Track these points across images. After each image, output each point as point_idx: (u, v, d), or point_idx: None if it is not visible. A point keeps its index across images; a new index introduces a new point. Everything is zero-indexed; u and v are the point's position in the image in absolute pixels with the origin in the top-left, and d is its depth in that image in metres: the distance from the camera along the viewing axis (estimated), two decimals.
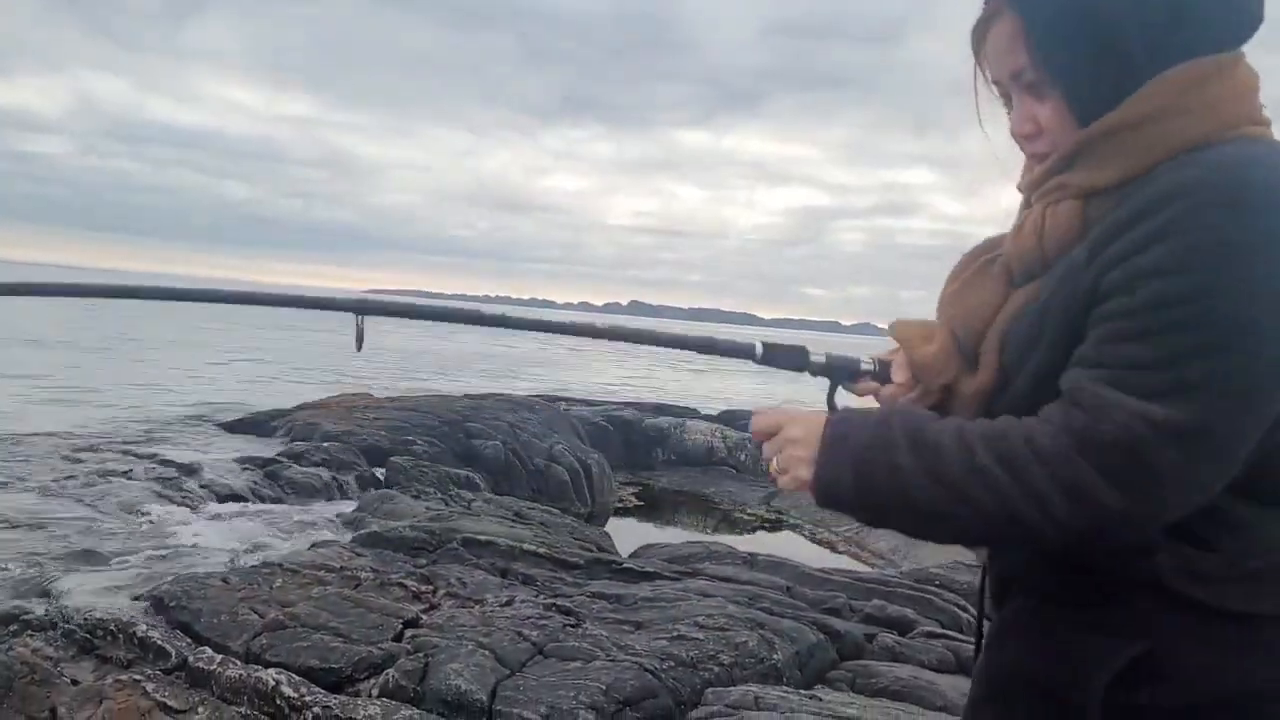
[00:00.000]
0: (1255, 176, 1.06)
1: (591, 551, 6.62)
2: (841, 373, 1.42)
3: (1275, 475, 1.11)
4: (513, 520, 7.70)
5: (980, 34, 1.26)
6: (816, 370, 1.42)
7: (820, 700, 3.73)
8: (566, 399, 15.40)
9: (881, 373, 1.40)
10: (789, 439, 1.23)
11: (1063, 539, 1.08)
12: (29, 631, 5.02)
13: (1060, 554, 1.17)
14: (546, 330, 1.59)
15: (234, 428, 13.93)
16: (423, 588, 5.62)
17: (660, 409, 16.69)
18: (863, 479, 1.15)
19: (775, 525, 12.33)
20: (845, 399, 1.41)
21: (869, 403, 1.41)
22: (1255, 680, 1.16)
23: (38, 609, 5.42)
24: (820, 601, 5.33)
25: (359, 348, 1.40)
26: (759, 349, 1.42)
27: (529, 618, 4.68)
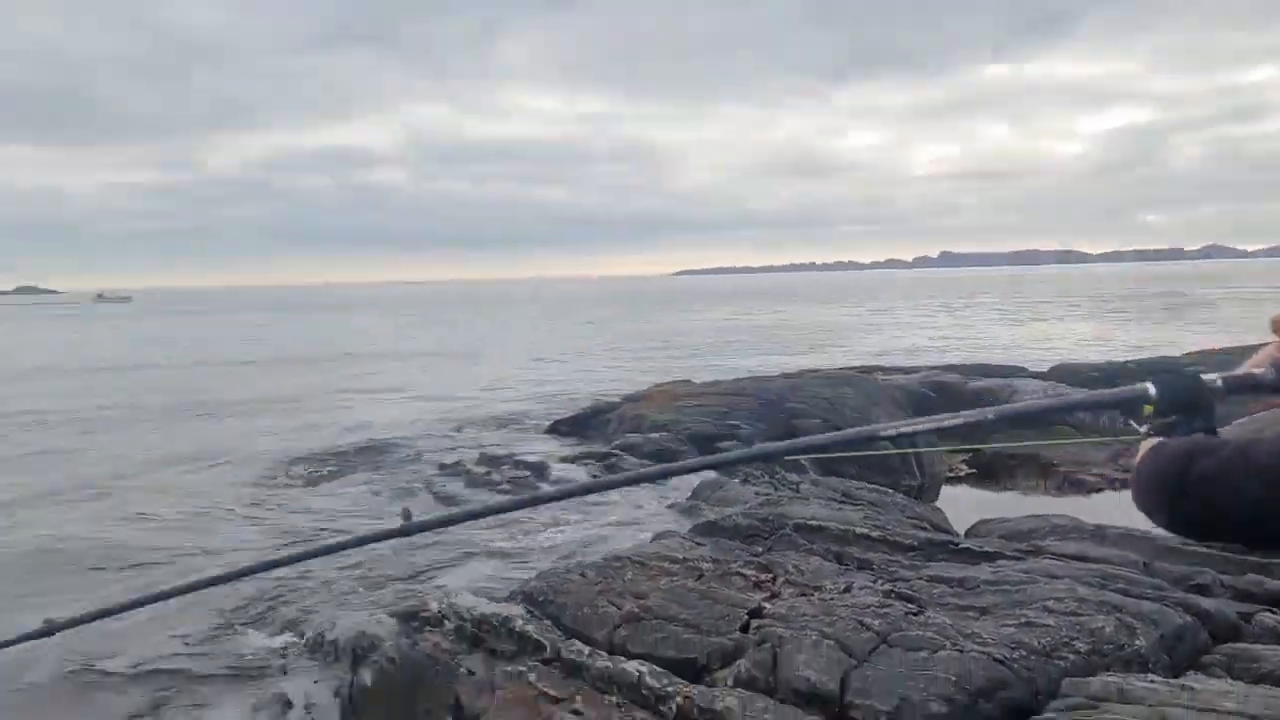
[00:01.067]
0: None
1: (926, 531, 6.55)
2: (1241, 390, 1.32)
3: None
4: (841, 501, 7.76)
5: None
6: (1217, 396, 1.31)
7: (1193, 690, 3.50)
8: (881, 369, 15.16)
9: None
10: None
11: None
12: (429, 627, 5.78)
13: None
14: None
15: (571, 425, 14.99)
16: (762, 576, 5.83)
17: (985, 370, 16.01)
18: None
19: (1124, 485, 11.46)
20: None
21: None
22: None
23: (433, 606, 6.16)
24: (1184, 578, 4.96)
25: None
26: (1152, 389, 1.32)
27: (869, 605, 4.74)
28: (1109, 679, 3.56)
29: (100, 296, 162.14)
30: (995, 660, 3.86)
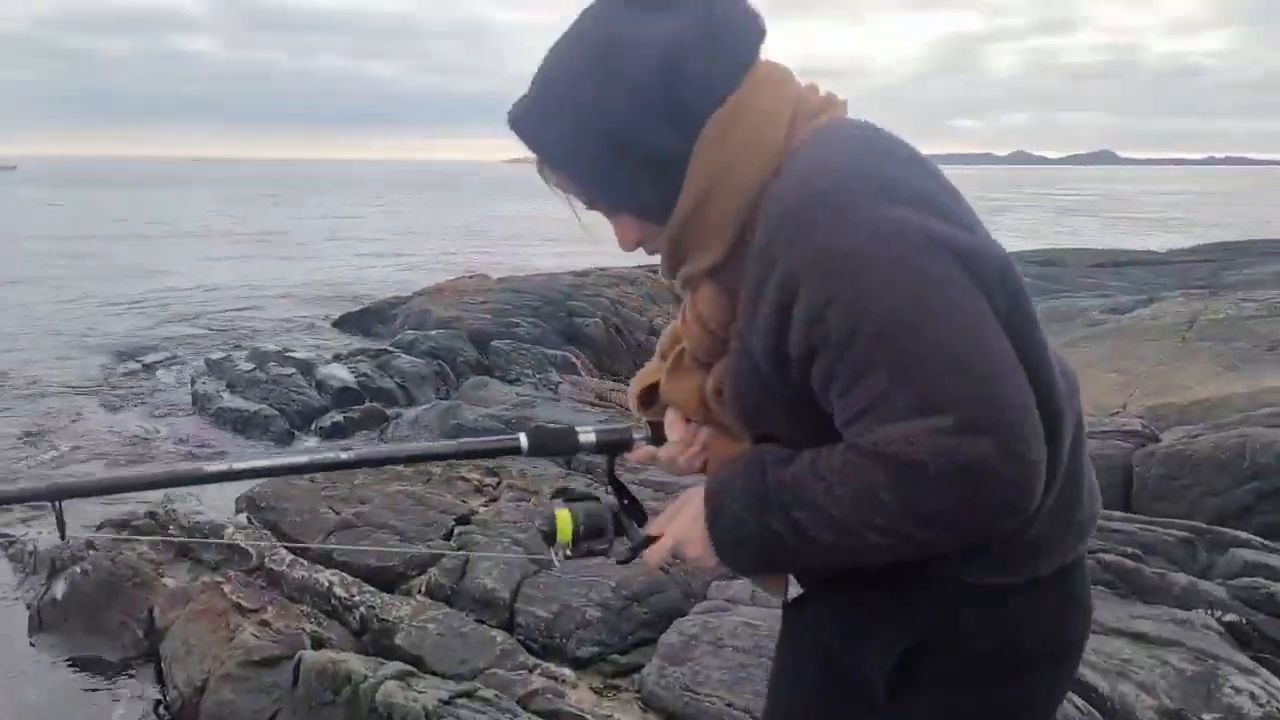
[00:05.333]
0: (816, 181, 1.07)
1: None
2: (616, 447, 1.44)
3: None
4: (591, 405, 7.93)
5: (543, 175, 1.26)
6: (590, 451, 1.43)
7: None
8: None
9: (655, 435, 1.43)
10: (684, 543, 1.29)
11: (948, 547, 1.10)
12: (138, 536, 5.61)
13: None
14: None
15: (358, 320, 14.66)
16: (487, 480, 5.92)
17: None
18: (758, 550, 1.19)
19: None
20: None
21: (659, 465, 1.44)
22: (1039, 641, 1.25)
23: (154, 513, 5.95)
24: None
25: (62, 536, 1.48)
26: (524, 442, 1.41)
27: None
28: (749, 582, 3.81)
29: None
30: (659, 569, 4.07)
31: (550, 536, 1.40)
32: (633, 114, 1.13)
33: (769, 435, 1.23)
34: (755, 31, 1.19)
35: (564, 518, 1.39)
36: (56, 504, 1.46)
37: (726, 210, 1.14)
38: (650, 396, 1.45)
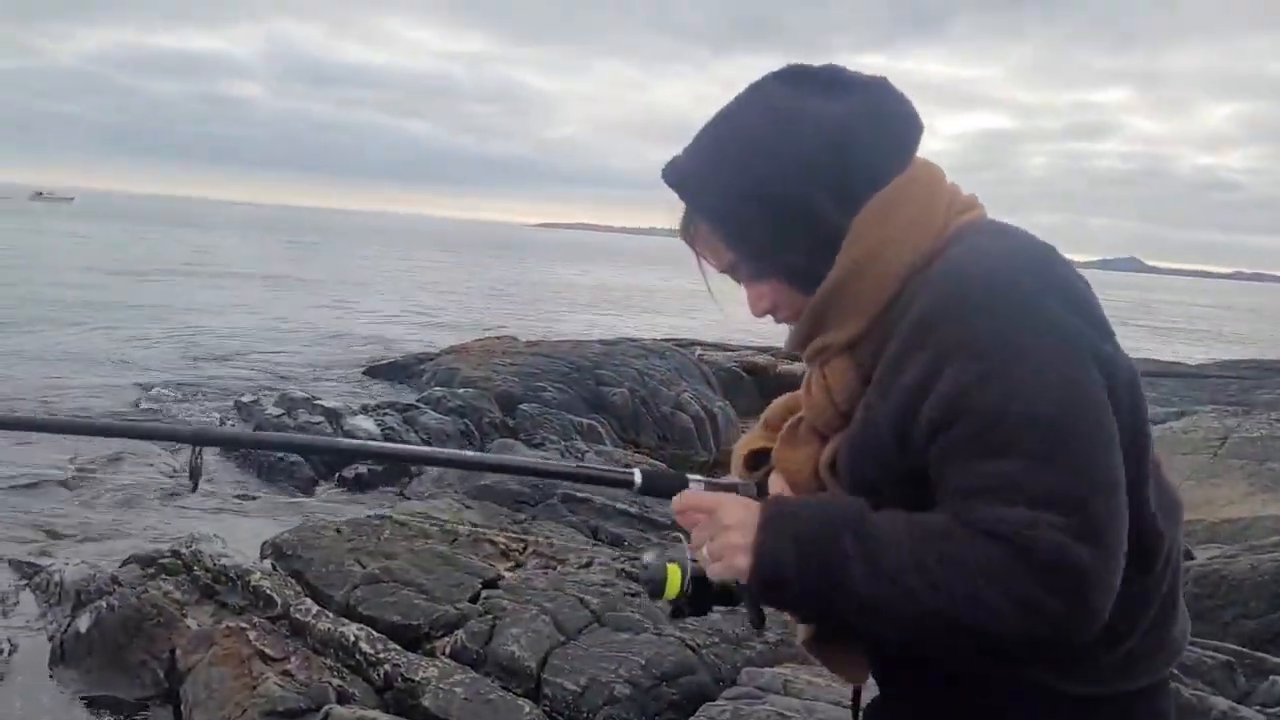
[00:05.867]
0: (984, 269, 1.11)
1: None
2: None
3: (1135, 539, 1.11)
4: None
5: (688, 234, 1.30)
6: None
7: None
8: (701, 344, 15.51)
9: (760, 496, 1.40)
10: (723, 525, 1.18)
11: (1008, 647, 1.08)
12: (164, 574, 5.61)
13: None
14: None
15: (387, 371, 14.79)
16: (513, 545, 5.92)
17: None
18: (806, 565, 1.10)
19: None
20: None
21: None
22: None
23: (178, 552, 5.97)
24: None
25: (194, 487, 1.51)
26: (637, 478, 1.41)
27: (596, 583, 4.89)
28: (780, 671, 3.79)
29: (40, 195, 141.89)
30: (688, 646, 4.05)
31: (656, 591, 1.39)
32: (802, 182, 1.17)
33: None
34: (915, 125, 1.24)
35: (674, 572, 1.38)
36: (197, 450, 1.48)
37: (876, 286, 1.17)
38: (755, 461, 1.46)
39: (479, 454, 1.58)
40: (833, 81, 1.22)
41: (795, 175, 1.17)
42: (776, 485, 1.40)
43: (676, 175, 1.28)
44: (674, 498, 1.29)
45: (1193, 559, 5.19)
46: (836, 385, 1.24)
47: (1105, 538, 1.04)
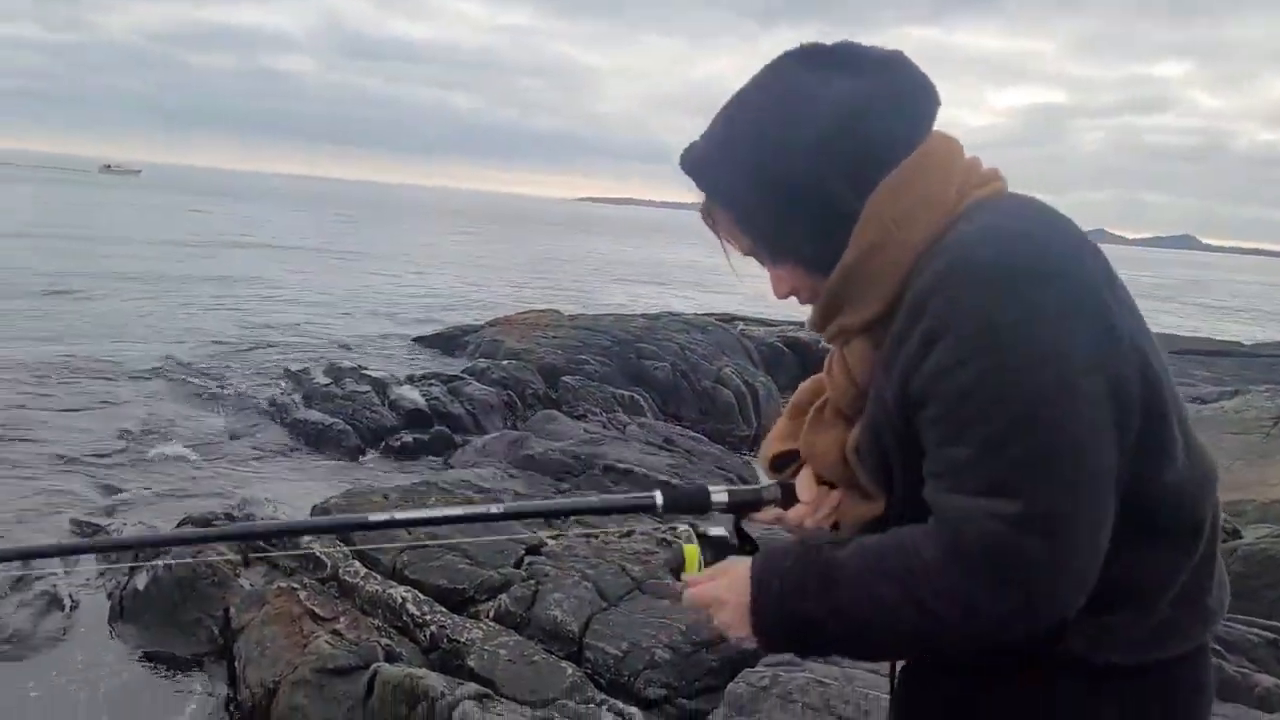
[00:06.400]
0: (992, 249, 1.09)
1: (726, 485, 6.82)
2: (745, 507, 1.46)
3: (1147, 507, 1.14)
4: (659, 447, 7.99)
5: (709, 219, 1.30)
6: (721, 510, 1.45)
7: None
8: (743, 318, 15.48)
9: (785, 496, 1.44)
10: (720, 605, 1.26)
11: (972, 645, 1.12)
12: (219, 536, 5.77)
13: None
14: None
15: (431, 343, 14.98)
16: None
17: None
18: (791, 632, 1.19)
19: None
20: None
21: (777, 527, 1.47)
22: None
23: (231, 515, 6.13)
24: None
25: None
26: (659, 500, 1.43)
27: (638, 552, 4.95)
28: None
29: (109, 168, 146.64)
30: None
31: (677, 571, 1.45)
32: (814, 166, 1.16)
33: (902, 498, 1.23)
34: (931, 100, 1.22)
35: (691, 552, 1.44)
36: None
37: (892, 265, 1.16)
38: (782, 461, 1.47)
39: (507, 506, 1.63)
40: (847, 59, 1.21)
41: (806, 161, 1.16)
42: (803, 484, 1.41)
43: (691, 163, 1.28)
44: (683, 595, 1.33)
45: (1240, 538, 5.13)
46: (857, 365, 1.25)
47: (1059, 527, 1.04)
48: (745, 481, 1.61)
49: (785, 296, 1.30)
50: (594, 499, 1.58)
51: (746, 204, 1.24)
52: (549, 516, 1.66)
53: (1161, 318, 34.46)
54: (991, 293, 1.06)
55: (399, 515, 1.53)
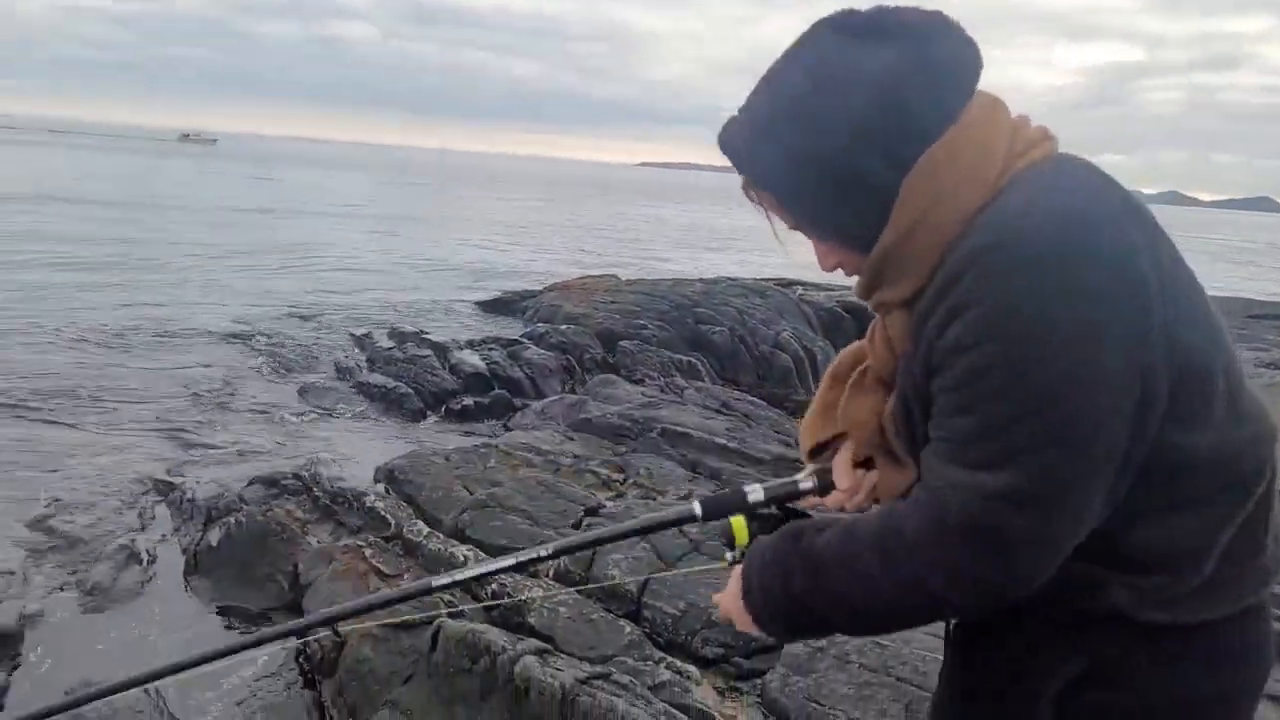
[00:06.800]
0: (1025, 228, 1.07)
1: (784, 448, 6.82)
2: (783, 500, 1.47)
3: (1179, 473, 1.14)
4: (715, 411, 8.00)
5: (751, 197, 1.29)
6: (760, 508, 1.46)
7: None
8: (802, 283, 15.34)
9: (823, 484, 1.47)
10: (731, 612, 1.34)
11: (956, 613, 1.19)
12: (286, 495, 5.95)
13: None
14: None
15: (492, 307, 15.13)
16: (615, 475, 6.07)
17: None
18: (785, 620, 1.27)
19: None
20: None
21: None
22: (1209, 684, 1.24)
23: (299, 475, 6.29)
24: None
25: None
26: (698, 510, 1.47)
27: None
28: None
29: (187, 137, 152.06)
30: None
31: (731, 541, 1.47)
32: (850, 148, 1.14)
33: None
34: (973, 63, 1.18)
35: (739, 524, 1.46)
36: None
37: (931, 244, 1.14)
38: (820, 449, 1.48)
39: (555, 545, 1.69)
40: (883, 28, 1.17)
41: (840, 141, 1.14)
42: (840, 470, 1.42)
43: (729, 145, 1.27)
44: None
45: None
46: (896, 336, 1.25)
47: (1043, 505, 1.06)
48: (797, 445, 1.63)
49: (831, 269, 1.30)
50: (636, 521, 1.61)
51: (784, 187, 1.24)
52: (594, 546, 1.70)
53: (1237, 282, 33.43)
54: (1019, 274, 1.05)
55: (458, 576, 1.64)
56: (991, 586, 1.11)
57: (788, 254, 1.41)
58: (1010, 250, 1.06)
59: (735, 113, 1.29)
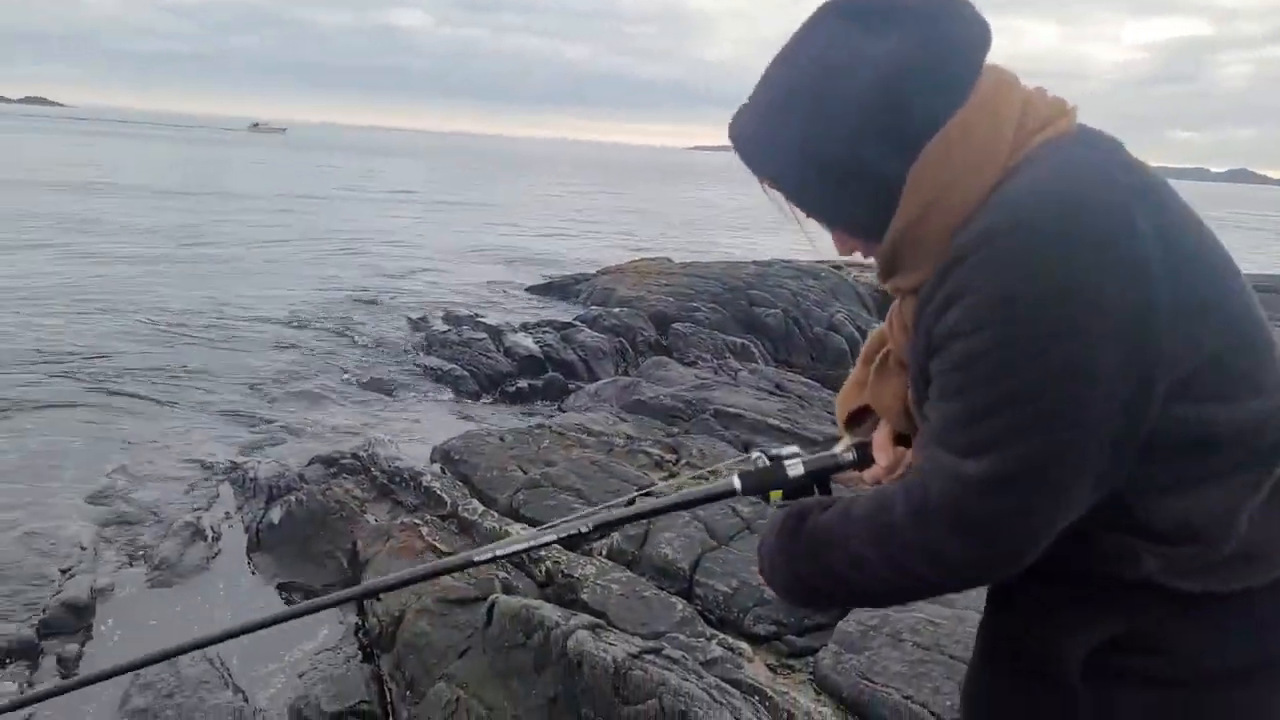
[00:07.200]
0: (1028, 215, 1.06)
1: (835, 428, 6.78)
2: (823, 475, 1.49)
3: (1201, 447, 1.12)
4: (769, 392, 7.97)
5: (765, 186, 1.28)
6: (800, 484, 1.48)
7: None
8: (858, 265, 15.18)
9: (862, 457, 1.49)
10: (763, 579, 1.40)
11: (945, 592, 1.21)
12: (344, 474, 6.05)
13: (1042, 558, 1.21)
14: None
15: (544, 291, 15.21)
16: (667, 456, 6.09)
17: None
18: (795, 593, 1.32)
19: None
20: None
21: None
22: (1247, 652, 1.22)
23: (358, 454, 6.40)
24: None
25: None
26: (737, 485, 1.50)
27: None
28: None
29: (257, 126, 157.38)
30: None
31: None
32: (854, 141, 1.13)
33: None
34: (980, 43, 1.15)
35: (777, 497, 1.50)
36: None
37: (941, 231, 1.13)
38: (857, 418, 1.50)
39: (596, 518, 1.73)
40: (889, 10, 1.14)
41: (845, 133, 1.13)
42: (879, 445, 1.44)
43: (737, 139, 1.26)
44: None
45: None
46: (911, 320, 1.24)
47: (1022, 492, 1.06)
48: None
49: (849, 254, 1.31)
50: (677, 495, 1.65)
51: (792, 181, 1.23)
52: (635, 520, 1.73)
53: None
54: (1018, 262, 1.04)
55: (499, 551, 1.66)
56: (973, 569, 1.13)
57: (810, 241, 1.42)
58: (1010, 238, 1.05)
59: (744, 101, 1.28)
